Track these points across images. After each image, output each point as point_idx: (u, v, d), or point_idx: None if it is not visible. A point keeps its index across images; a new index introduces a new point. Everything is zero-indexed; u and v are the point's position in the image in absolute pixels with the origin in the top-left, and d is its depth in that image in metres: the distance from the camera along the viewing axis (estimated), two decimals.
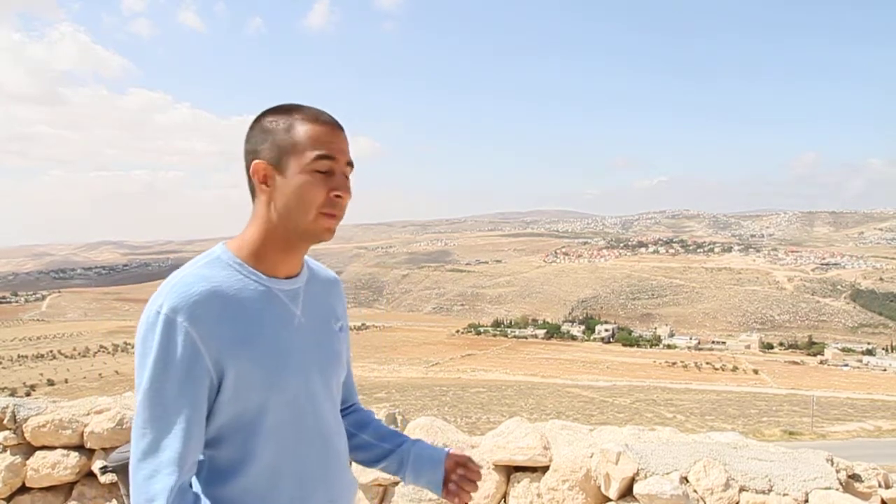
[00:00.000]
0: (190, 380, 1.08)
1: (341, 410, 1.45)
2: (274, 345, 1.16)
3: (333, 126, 1.19)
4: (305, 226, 1.18)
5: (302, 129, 1.17)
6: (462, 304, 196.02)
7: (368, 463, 1.47)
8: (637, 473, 2.26)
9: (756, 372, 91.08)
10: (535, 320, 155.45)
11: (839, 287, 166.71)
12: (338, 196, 1.18)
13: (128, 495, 1.20)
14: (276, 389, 1.16)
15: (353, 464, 1.35)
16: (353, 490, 1.36)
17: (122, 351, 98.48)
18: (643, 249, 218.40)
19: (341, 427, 1.34)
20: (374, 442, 1.46)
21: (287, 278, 1.23)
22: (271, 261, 1.21)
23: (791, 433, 40.68)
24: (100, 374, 77.09)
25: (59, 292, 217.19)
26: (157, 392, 1.07)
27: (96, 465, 2.93)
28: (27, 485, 2.99)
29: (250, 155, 1.18)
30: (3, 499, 2.94)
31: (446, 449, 1.47)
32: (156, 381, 1.07)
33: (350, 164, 1.21)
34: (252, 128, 1.20)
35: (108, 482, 2.89)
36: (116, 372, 78.09)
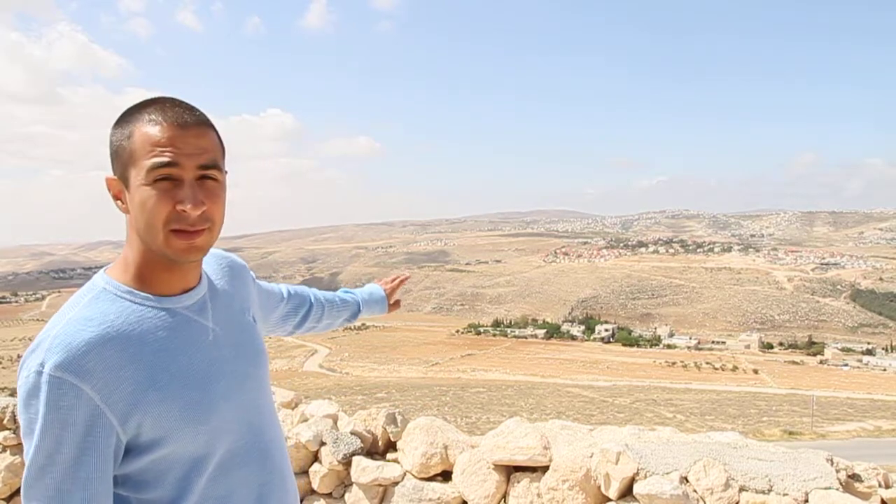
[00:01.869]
0: (89, 447, 0.91)
1: (310, 312, 1.56)
2: (191, 373, 1.01)
3: (178, 124, 0.96)
4: (158, 247, 0.98)
5: (139, 134, 0.95)
6: (462, 304, 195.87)
7: (341, 324, 1.70)
8: (637, 473, 2.26)
9: (756, 372, 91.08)
10: (535, 320, 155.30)
11: (839, 287, 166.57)
12: (183, 210, 0.96)
13: None
14: (205, 420, 1.01)
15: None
16: (297, 500, 1.25)
17: None
18: (643, 249, 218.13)
19: (279, 430, 1.21)
20: (345, 310, 1.68)
21: (186, 291, 1.05)
22: (162, 280, 1.02)
23: (791, 433, 40.61)
24: None
25: (59, 292, 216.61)
26: (49, 466, 0.90)
27: None
28: None
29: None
30: (3, 499, 2.94)
31: (380, 288, 1.79)
32: (47, 453, 0.90)
33: (206, 166, 0.98)
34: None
35: None
36: None
